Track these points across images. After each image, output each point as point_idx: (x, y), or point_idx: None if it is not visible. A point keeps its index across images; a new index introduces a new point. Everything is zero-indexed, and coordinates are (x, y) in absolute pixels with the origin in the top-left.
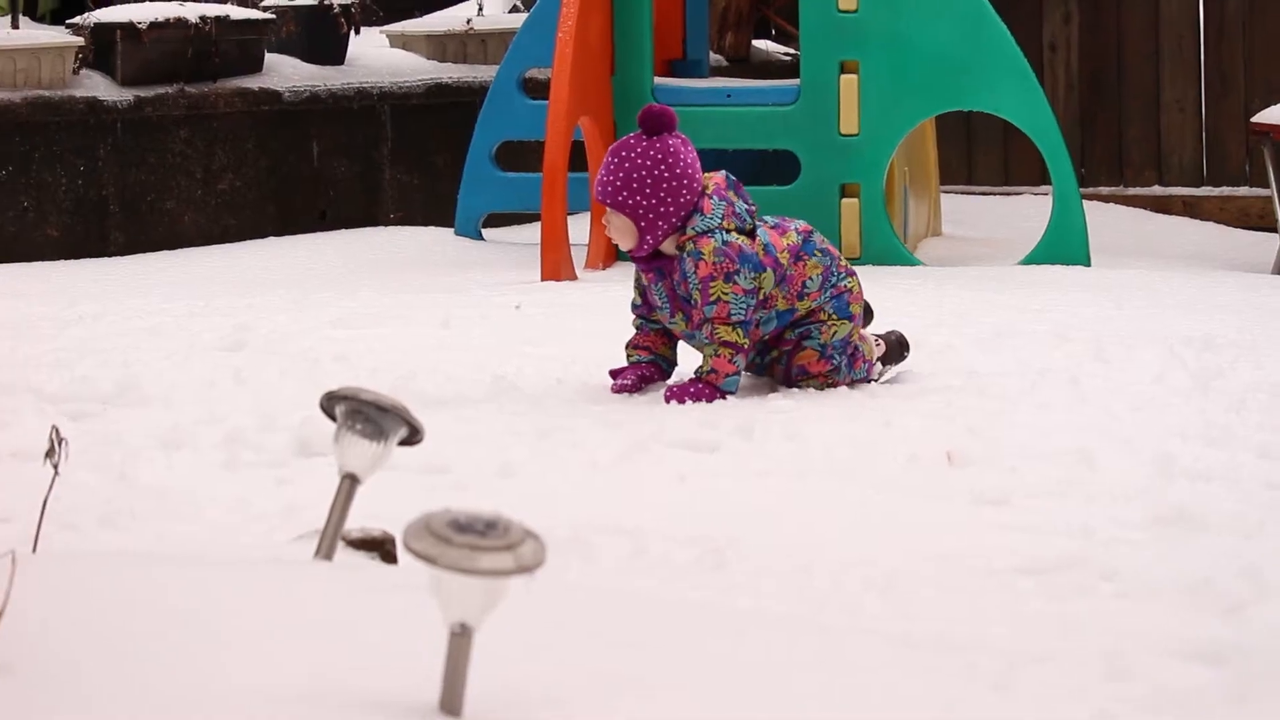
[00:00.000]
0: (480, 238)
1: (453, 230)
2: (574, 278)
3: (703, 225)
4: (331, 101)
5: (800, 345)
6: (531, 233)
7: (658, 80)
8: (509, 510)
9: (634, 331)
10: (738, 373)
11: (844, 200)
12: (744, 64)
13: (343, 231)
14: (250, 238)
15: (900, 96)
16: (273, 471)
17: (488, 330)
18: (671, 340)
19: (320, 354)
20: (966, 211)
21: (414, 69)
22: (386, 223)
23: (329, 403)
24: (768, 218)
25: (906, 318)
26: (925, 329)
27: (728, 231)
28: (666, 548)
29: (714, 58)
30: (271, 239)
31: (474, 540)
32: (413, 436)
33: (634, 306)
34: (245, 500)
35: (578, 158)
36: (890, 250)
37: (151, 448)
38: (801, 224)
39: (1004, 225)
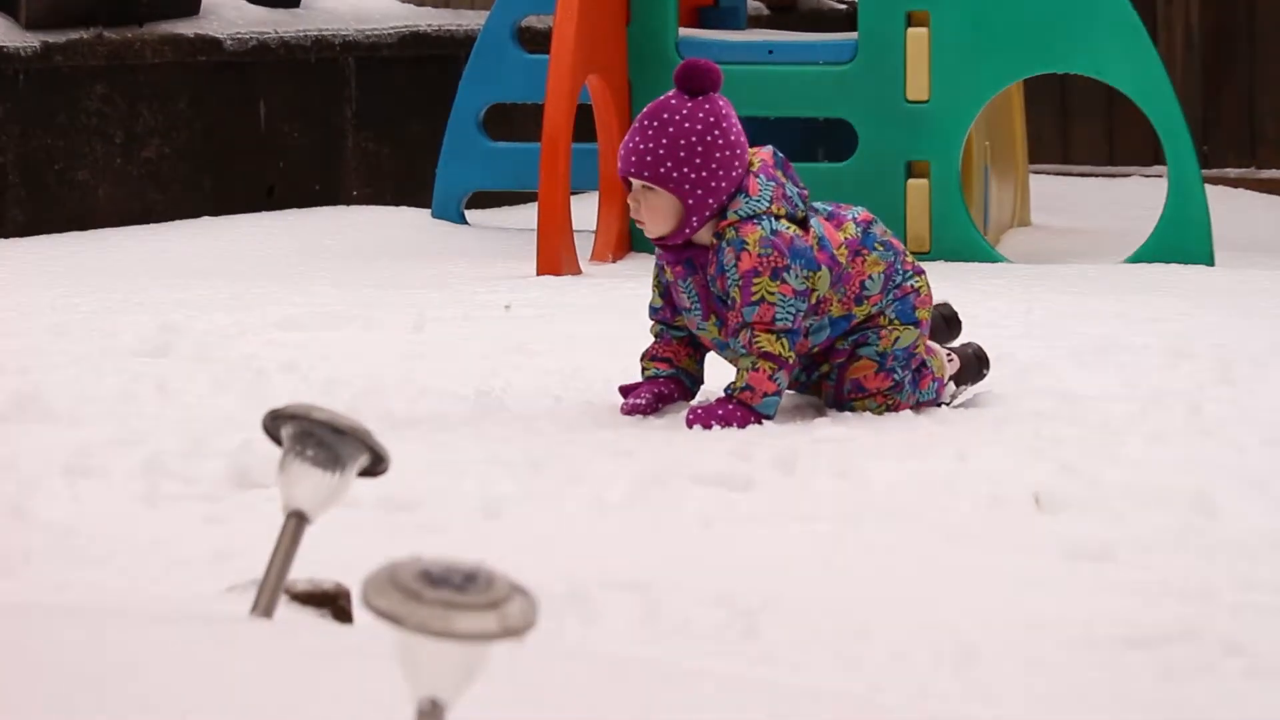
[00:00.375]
0: (463, 221)
1: (429, 212)
2: (577, 271)
3: (748, 209)
4: (283, 52)
5: (854, 355)
6: (526, 215)
7: (683, 32)
8: (493, 559)
9: (651, 340)
10: (779, 392)
11: (910, 181)
12: (789, 13)
13: (295, 212)
14: (181, 218)
15: (981, 54)
16: (202, 507)
17: (470, 335)
18: (699, 352)
19: (264, 362)
20: (1061, 196)
21: (385, 13)
22: (349, 202)
23: (273, 423)
24: (819, 204)
25: (986, 327)
26: (1009, 341)
27: (777, 218)
28: (687, 608)
29: (753, 5)
30: (207, 220)
31: (449, 596)
32: (376, 465)
33: (653, 310)
34: (167, 542)
35: (583, 124)
36: (967, 243)
37: (53, 476)
38: (861, 211)
39: (1107, 214)
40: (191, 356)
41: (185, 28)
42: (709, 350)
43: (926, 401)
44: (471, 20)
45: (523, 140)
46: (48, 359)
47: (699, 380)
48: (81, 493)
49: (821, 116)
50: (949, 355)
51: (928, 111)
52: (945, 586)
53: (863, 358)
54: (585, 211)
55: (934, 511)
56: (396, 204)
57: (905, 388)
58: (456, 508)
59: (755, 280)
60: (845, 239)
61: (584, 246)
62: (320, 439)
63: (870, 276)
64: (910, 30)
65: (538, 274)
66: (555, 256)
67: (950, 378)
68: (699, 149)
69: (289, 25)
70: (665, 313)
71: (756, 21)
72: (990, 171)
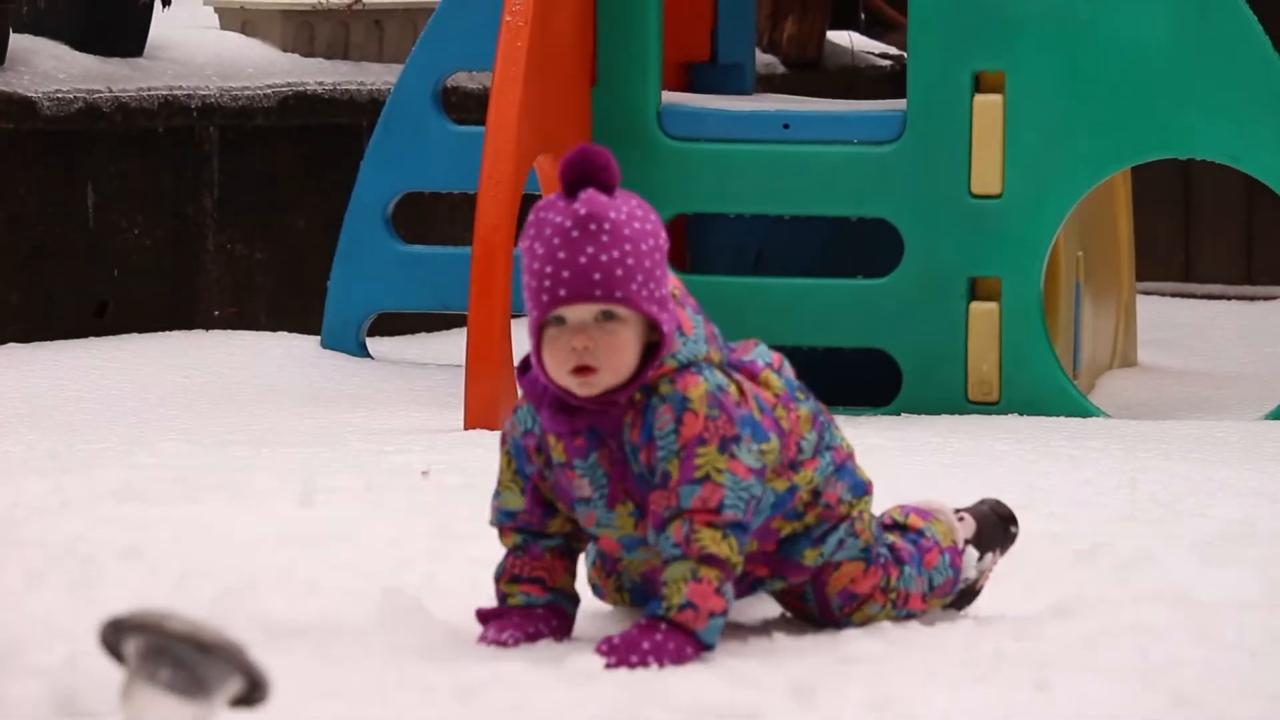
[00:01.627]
0: (365, 353)
1: (318, 339)
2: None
3: (688, 353)
4: (121, 118)
5: (828, 568)
6: (449, 347)
7: (668, 98)
8: None
9: (506, 553)
10: (725, 612)
11: (974, 305)
12: (813, 70)
13: (135, 338)
14: None
15: (1074, 132)
16: None
17: (375, 512)
18: (573, 563)
19: (95, 547)
20: (1180, 326)
21: (259, 67)
22: (209, 325)
23: (114, 634)
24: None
25: (1075, 506)
26: (1107, 527)
27: (715, 368)
28: None
29: (763, 60)
30: (14, 346)
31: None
32: (252, 693)
33: (506, 515)
34: None
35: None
36: (1050, 390)
37: None
38: (763, 349)
39: (1242, 351)
40: None
41: None
42: (608, 553)
43: (943, 586)
44: (378, 77)
45: (447, 244)
46: None
47: (576, 600)
48: None
49: (855, 215)
50: (957, 514)
51: (1000, 210)
52: None
53: (843, 563)
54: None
55: None
56: (273, 328)
57: (908, 570)
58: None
59: (700, 451)
60: (775, 394)
61: None
62: (177, 657)
63: (805, 436)
64: (978, 98)
65: (465, 427)
66: (489, 403)
67: (967, 542)
68: (658, 257)
69: (127, 81)
70: (531, 516)
71: (768, 83)
72: (1084, 292)
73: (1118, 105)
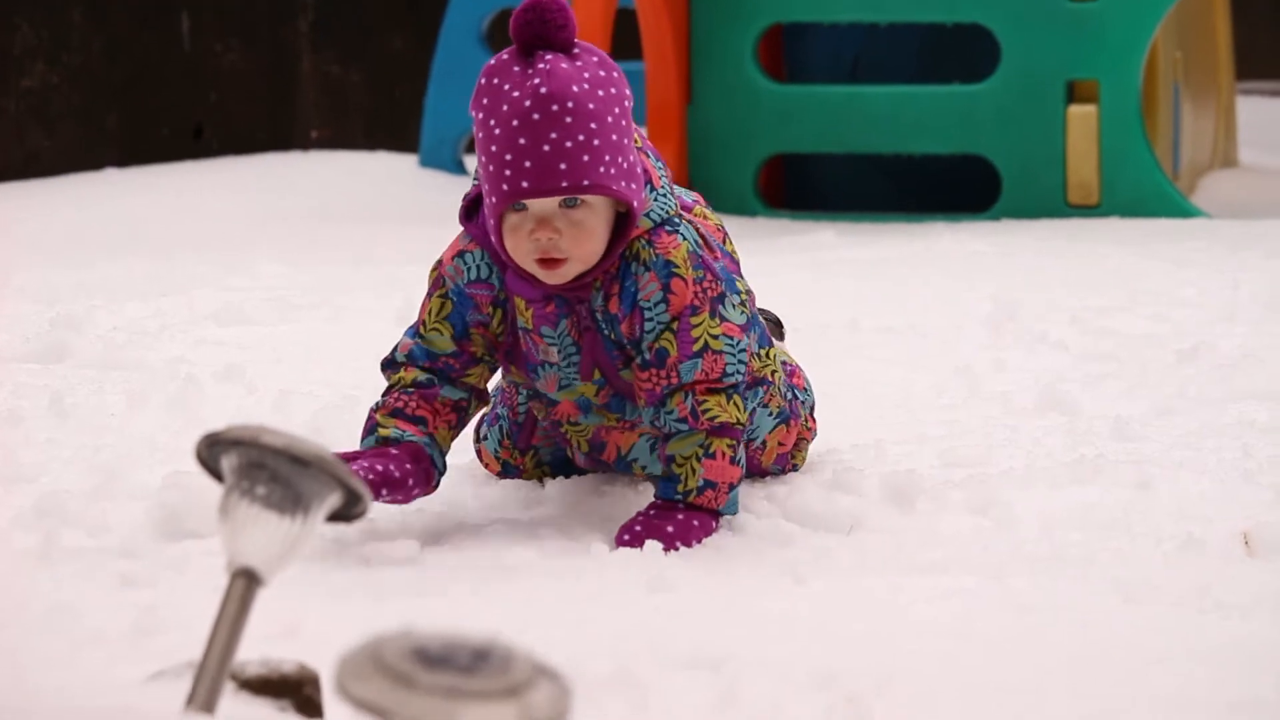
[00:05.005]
0: (462, 171)
1: (415, 158)
2: None
3: (661, 210)
4: None
5: (752, 445)
6: None
7: None
8: (509, 632)
9: (391, 388)
10: (741, 478)
11: (1073, 109)
12: None
13: (232, 160)
14: (77, 170)
15: None
16: (116, 564)
17: None
18: (459, 426)
19: (195, 368)
20: None
21: None
22: (305, 146)
23: (211, 451)
24: None
25: (1177, 308)
26: (1208, 327)
27: (685, 222)
28: (773, 691)
29: None
30: (112, 172)
31: (453, 681)
32: (350, 507)
33: (426, 354)
34: (71, 611)
35: (624, 35)
36: (1150, 192)
37: None
38: (682, 190)
39: None
40: (96, 362)
41: None
42: (518, 426)
43: (811, 405)
44: None
45: None
46: None
47: (444, 463)
48: None
49: (951, 21)
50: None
51: (1097, 12)
52: (1122, 661)
53: (765, 438)
54: None
55: (1106, 559)
56: (370, 148)
57: (801, 395)
58: (460, 563)
59: (694, 322)
60: (716, 226)
61: None
62: (275, 472)
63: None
64: None
65: None
66: None
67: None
68: (624, 125)
69: None
70: (454, 361)
71: None
72: (1182, 93)
73: None
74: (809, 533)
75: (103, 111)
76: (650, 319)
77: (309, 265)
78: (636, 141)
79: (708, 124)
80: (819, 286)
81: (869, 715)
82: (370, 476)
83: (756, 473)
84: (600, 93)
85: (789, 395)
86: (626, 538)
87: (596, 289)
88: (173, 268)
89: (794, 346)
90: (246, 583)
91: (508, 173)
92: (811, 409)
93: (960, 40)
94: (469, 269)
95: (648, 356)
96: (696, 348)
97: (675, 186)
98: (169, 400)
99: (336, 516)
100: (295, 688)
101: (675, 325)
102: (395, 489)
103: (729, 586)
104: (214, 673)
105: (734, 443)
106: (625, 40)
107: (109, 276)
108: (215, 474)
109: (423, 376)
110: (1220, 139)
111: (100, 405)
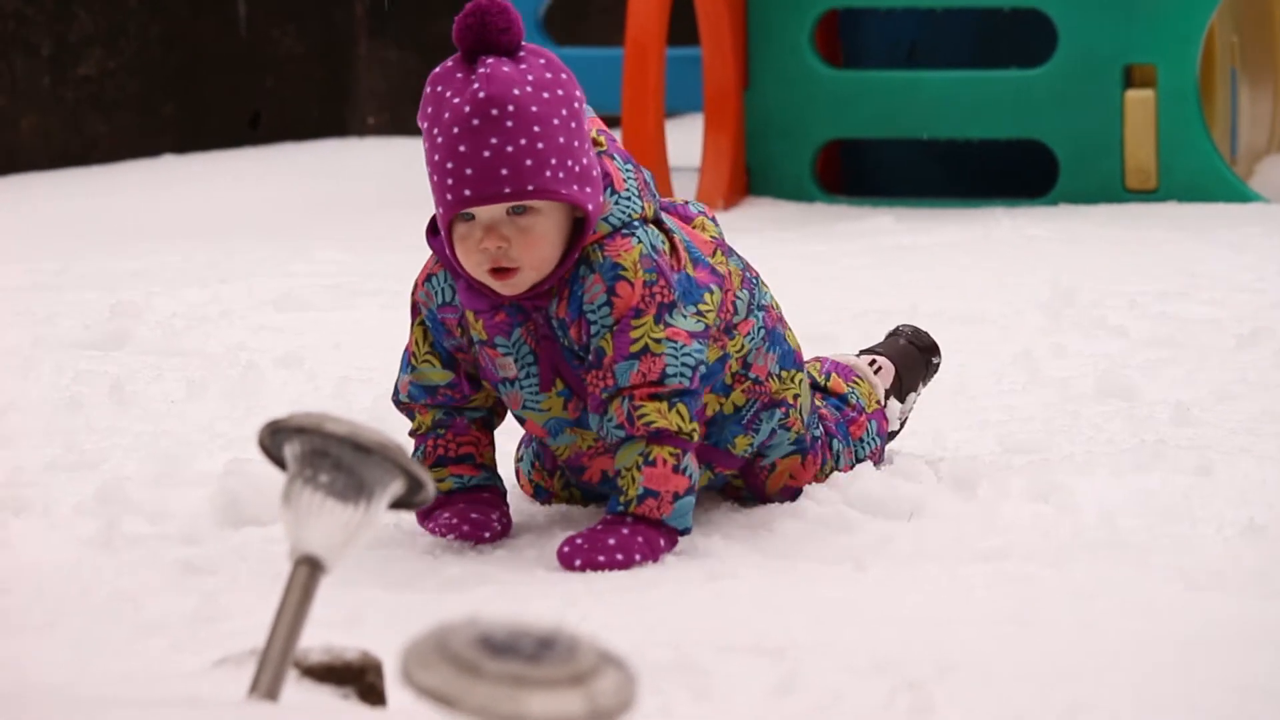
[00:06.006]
0: None
1: None
2: None
3: (620, 213)
4: None
5: (761, 463)
6: None
7: None
8: (573, 620)
9: (423, 433)
10: (692, 489)
11: (1130, 94)
12: None
13: (289, 147)
14: (134, 157)
15: None
16: (178, 552)
17: None
18: (493, 436)
19: (255, 354)
20: None
21: None
22: (362, 133)
23: (273, 438)
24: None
25: (1236, 292)
26: (1268, 311)
27: (649, 225)
28: (834, 677)
29: None
30: (169, 158)
31: (519, 669)
32: (413, 494)
33: (426, 390)
34: (132, 599)
35: (681, 21)
36: (1208, 176)
37: None
38: (693, 204)
39: None
40: (156, 348)
41: None
42: (539, 436)
43: (872, 456)
44: None
45: (599, 44)
46: None
47: (500, 478)
48: (13, 535)
49: (1007, 6)
50: (873, 364)
51: None
52: (1183, 648)
53: (777, 461)
54: (685, 140)
55: (1166, 545)
56: None
57: (836, 445)
58: (522, 553)
59: (635, 324)
60: (712, 238)
61: (685, 189)
62: (338, 460)
63: (737, 294)
64: None
65: None
66: None
67: (888, 395)
68: (573, 127)
69: None
70: (455, 391)
71: None
72: (1240, 78)
73: None
74: (869, 519)
75: (160, 99)
76: (595, 322)
77: (367, 252)
78: (601, 143)
79: (765, 110)
80: (877, 273)
81: (929, 701)
82: (466, 528)
83: (759, 497)
84: (545, 95)
85: (816, 429)
86: (566, 550)
87: (553, 295)
88: (231, 254)
89: (853, 333)
90: (309, 570)
91: (450, 181)
92: (859, 463)
93: (1017, 25)
94: (438, 293)
95: (590, 358)
96: (634, 349)
97: (690, 201)
98: (229, 387)
99: (399, 504)
100: (358, 675)
101: (616, 326)
102: (495, 535)
103: (789, 573)
104: (277, 660)
105: (677, 450)
106: (682, 27)
107: (168, 263)
108: (278, 461)
109: (438, 415)
110: (1278, 123)
111: (160, 392)
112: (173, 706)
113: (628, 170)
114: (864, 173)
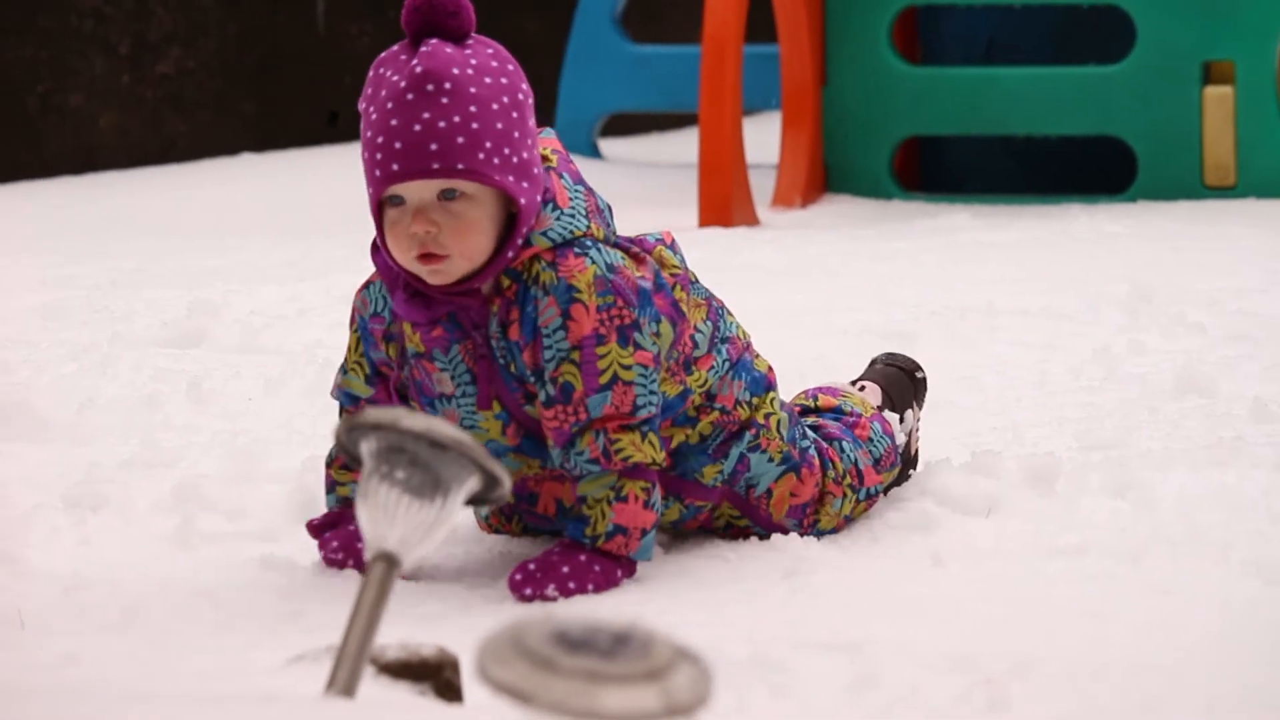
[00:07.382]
0: (596, 154)
1: None
2: (754, 222)
3: (563, 229)
4: None
5: (755, 494)
6: (682, 145)
7: None
8: (649, 617)
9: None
10: (656, 523)
11: (1209, 90)
12: None
13: None
14: (212, 155)
15: None
16: (255, 548)
17: None
18: None
19: (333, 352)
20: None
21: None
22: None
23: (350, 435)
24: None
25: None
26: None
27: (601, 245)
28: (911, 674)
29: None
30: (248, 156)
31: (594, 665)
32: (489, 490)
33: (349, 398)
34: (209, 596)
35: (760, 19)
36: None
37: (52, 509)
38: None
39: None
40: (233, 346)
41: None
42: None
43: (887, 456)
44: None
45: (677, 42)
46: (38, 353)
47: None
48: (91, 532)
49: (1085, 2)
50: (857, 384)
51: None
52: (1261, 643)
53: (771, 487)
54: (763, 138)
55: (1245, 541)
56: None
57: (845, 447)
58: None
59: (600, 352)
60: (673, 273)
61: (762, 187)
62: (414, 456)
63: (698, 328)
64: None
65: (700, 225)
66: (723, 201)
67: (880, 410)
68: (515, 118)
69: None
70: (378, 400)
71: None
72: None
73: None
74: (947, 515)
75: (238, 97)
76: (550, 345)
77: None
78: (550, 160)
79: (843, 107)
80: (955, 270)
81: (1007, 698)
82: (353, 543)
83: (766, 527)
84: (487, 80)
85: (803, 440)
86: (519, 578)
87: (493, 314)
88: (309, 252)
89: (931, 330)
90: (386, 567)
91: (379, 156)
92: (878, 463)
93: (1095, 21)
94: (372, 302)
95: (552, 391)
96: (604, 380)
97: (648, 233)
98: (306, 384)
99: (475, 500)
100: (435, 671)
101: (577, 355)
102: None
103: (866, 569)
104: (354, 657)
105: (648, 485)
106: (760, 24)
107: (245, 261)
108: (355, 458)
109: None
110: None
111: (238, 390)
112: (250, 703)
113: (576, 190)
114: (942, 170)
